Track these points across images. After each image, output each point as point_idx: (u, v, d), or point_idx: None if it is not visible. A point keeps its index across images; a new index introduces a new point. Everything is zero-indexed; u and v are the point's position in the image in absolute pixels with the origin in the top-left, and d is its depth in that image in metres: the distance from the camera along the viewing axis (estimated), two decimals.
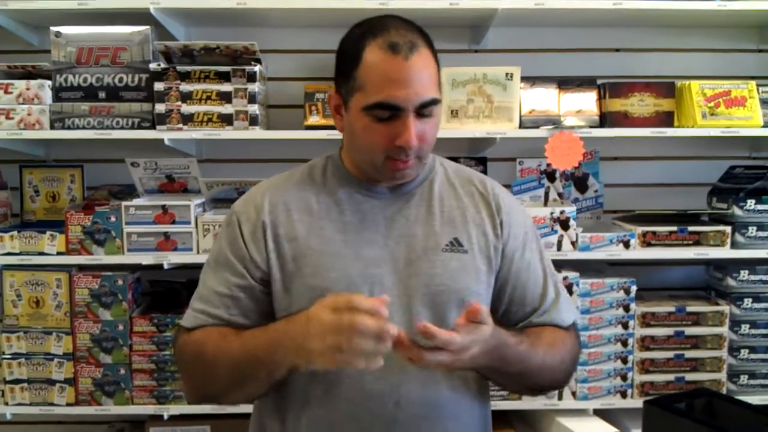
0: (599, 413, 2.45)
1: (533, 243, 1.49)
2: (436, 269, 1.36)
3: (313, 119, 2.39)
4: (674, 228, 2.41)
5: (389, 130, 1.29)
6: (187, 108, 2.30)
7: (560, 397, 2.43)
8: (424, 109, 1.30)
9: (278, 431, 1.39)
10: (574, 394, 2.43)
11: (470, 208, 1.44)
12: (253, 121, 2.31)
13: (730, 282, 2.48)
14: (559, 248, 2.38)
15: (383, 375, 1.30)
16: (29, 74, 2.42)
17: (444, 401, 1.36)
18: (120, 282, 2.35)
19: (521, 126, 2.42)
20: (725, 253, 2.42)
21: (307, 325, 1.17)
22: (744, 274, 2.47)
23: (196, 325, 1.37)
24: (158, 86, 2.30)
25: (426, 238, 1.38)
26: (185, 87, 2.30)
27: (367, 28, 1.33)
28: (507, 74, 2.39)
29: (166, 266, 2.32)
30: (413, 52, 1.28)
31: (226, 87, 2.31)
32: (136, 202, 2.35)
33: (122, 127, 2.32)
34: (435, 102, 1.31)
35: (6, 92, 2.32)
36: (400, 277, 1.35)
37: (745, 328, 2.46)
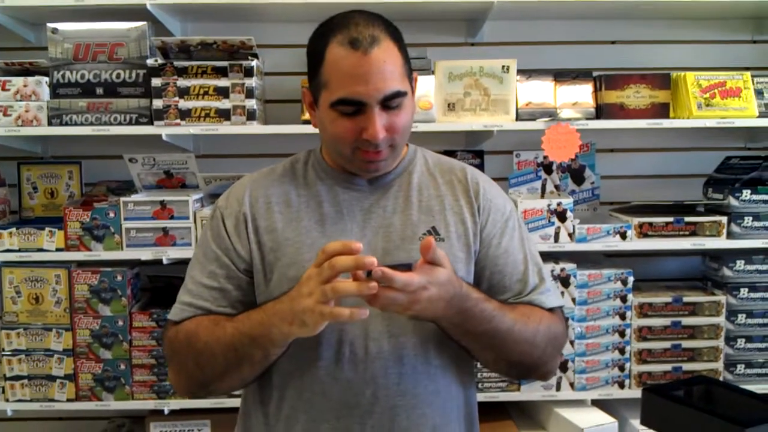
0: (597, 404, 2.47)
1: (515, 231, 1.47)
2: (414, 258, 1.35)
3: None
4: (670, 219, 2.42)
5: (356, 124, 1.30)
6: (184, 103, 2.30)
7: (558, 388, 2.44)
8: (389, 102, 1.30)
9: (261, 419, 1.41)
10: (572, 384, 2.45)
11: (449, 196, 1.44)
12: (251, 116, 2.32)
13: (727, 272, 2.49)
14: (556, 240, 2.39)
15: (358, 364, 1.32)
16: (26, 71, 2.42)
17: (421, 389, 1.36)
18: (119, 278, 2.36)
19: (518, 118, 2.42)
20: (721, 243, 2.44)
21: (298, 289, 1.20)
22: (740, 264, 2.48)
23: (183, 318, 1.38)
24: (155, 82, 2.30)
25: (403, 228, 1.39)
26: (182, 82, 2.30)
27: (330, 26, 1.34)
28: (503, 67, 2.40)
29: (165, 261, 2.33)
30: (374, 46, 1.28)
31: (223, 82, 2.31)
32: (135, 197, 2.36)
33: (120, 123, 2.32)
34: (400, 94, 1.31)
35: (3, 89, 2.32)
36: None
37: (741, 318, 2.48)
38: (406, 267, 1.16)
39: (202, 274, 1.40)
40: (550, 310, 1.45)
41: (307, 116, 2.39)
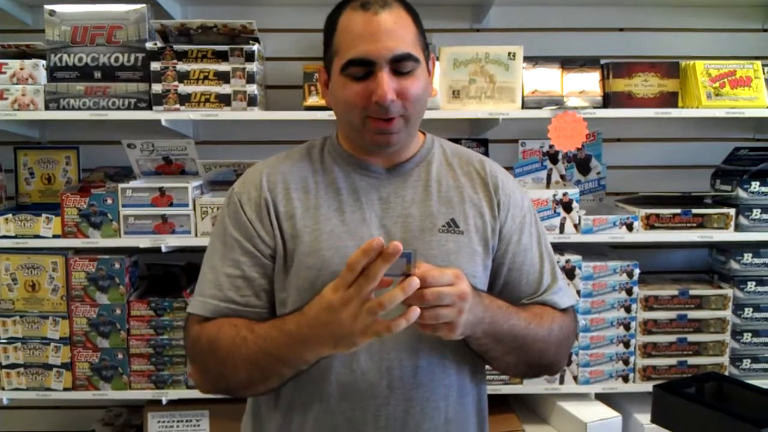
0: (601, 397, 2.43)
1: (532, 227, 1.46)
2: (432, 250, 1.34)
3: (313, 100, 2.36)
4: (678, 210, 2.38)
5: (366, 88, 1.28)
6: (184, 88, 2.26)
7: (562, 381, 2.41)
8: (400, 65, 1.28)
9: (273, 406, 1.38)
10: (575, 378, 2.42)
11: (468, 188, 1.42)
12: (252, 101, 2.27)
13: (734, 265, 2.46)
14: (561, 231, 2.35)
15: (374, 355, 1.30)
16: (23, 54, 2.38)
17: (436, 382, 1.34)
18: (117, 265, 2.32)
19: (524, 107, 2.38)
20: (729, 236, 2.40)
21: (335, 315, 1.13)
22: (748, 257, 2.45)
23: (207, 312, 1.34)
24: (155, 66, 2.26)
25: (422, 219, 1.36)
26: (182, 66, 2.26)
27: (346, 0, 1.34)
28: (509, 54, 2.35)
29: (163, 249, 2.29)
30: (385, 9, 1.29)
31: (223, 67, 2.27)
32: (133, 184, 2.32)
33: (118, 108, 2.28)
34: (411, 57, 1.29)
35: (0, 72, 2.28)
36: None
37: (748, 312, 2.44)
38: (406, 256, 1.10)
39: (224, 263, 1.36)
40: (563, 309, 1.43)
41: (309, 102, 2.35)
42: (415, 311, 1.08)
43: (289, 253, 1.34)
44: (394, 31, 1.28)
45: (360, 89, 1.28)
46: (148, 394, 2.37)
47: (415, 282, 1.08)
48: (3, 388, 2.36)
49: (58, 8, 2.29)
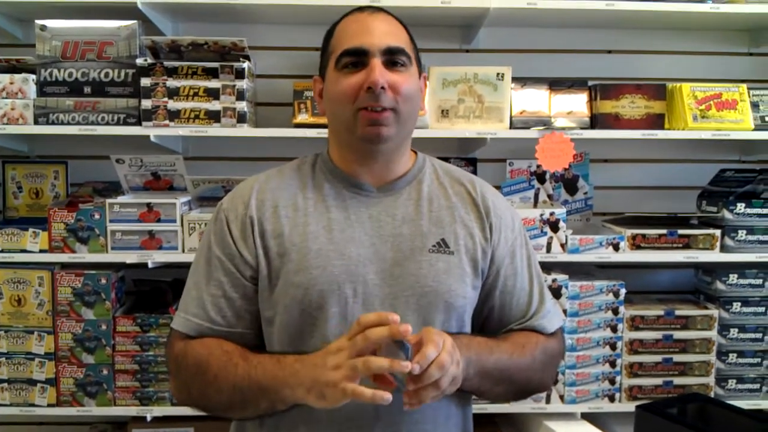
0: (587, 417, 2.43)
1: (523, 249, 1.47)
2: (423, 270, 1.34)
3: (302, 117, 2.37)
4: (664, 231, 2.40)
5: (358, 78, 1.31)
6: (173, 104, 2.27)
7: (548, 401, 2.41)
8: (392, 58, 1.32)
9: (258, 429, 1.38)
10: (561, 397, 2.42)
11: (459, 208, 1.42)
12: (241, 118, 2.28)
13: (719, 286, 2.47)
14: (548, 250, 2.36)
15: (362, 379, 1.28)
16: (13, 68, 2.37)
17: (423, 406, 1.33)
18: (103, 281, 2.31)
19: (512, 126, 2.40)
20: (715, 256, 2.41)
21: (325, 358, 1.17)
22: (733, 278, 2.46)
23: (191, 330, 1.35)
24: (145, 82, 2.27)
25: (413, 238, 1.36)
26: (172, 83, 2.27)
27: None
28: (498, 74, 2.37)
29: (150, 265, 2.28)
30: (380, 13, 1.37)
31: (213, 83, 2.27)
32: (121, 199, 2.32)
33: (107, 123, 2.28)
34: (403, 52, 1.34)
35: None
36: (384, 277, 1.33)
37: (733, 332, 2.45)
38: (400, 344, 1.14)
39: (207, 281, 1.36)
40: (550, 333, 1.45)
41: (298, 119, 2.36)
42: (386, 397, 1.11)
43: (275, 271, 1.34)
44: (388, 28, 1.35)
45: (353, 80, 1.31)
46: (132, 410, 2.35)
47: (405, 365, 1.10)
48: None
49: (49, 23, 2.30)
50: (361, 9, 1.38)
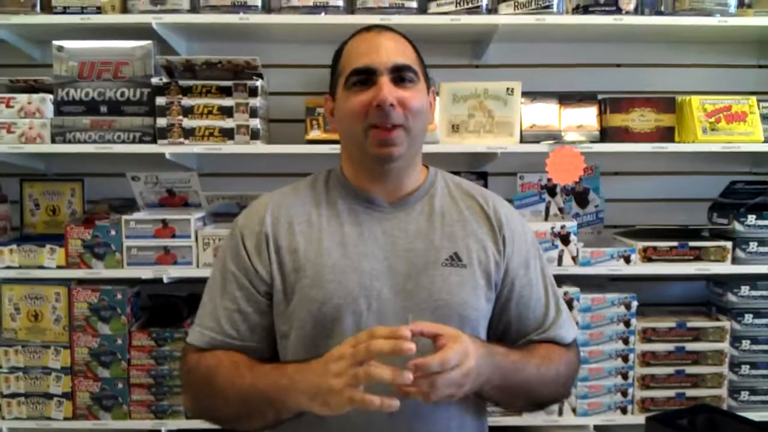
0: (599, 429, 2.43)
1: (537, 260, 1.48)
2: (436, 284, 1.35)
3: (314, 133, 2.40)
4: (675, 243, 2.40)
5: (367, 96, 1.33)
6: (188, 122, 2.30)
7: (560, 413, 2.41)
8: (400, 74, 1.34)
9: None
10: (574, 410, 2.42)
11: (471, 222, 1.43)
12: (255, 135, 2.31)
13: (731, 297, 2.47)
14: (559, 263, 2.37)
15: (376, 389, 1.29)
16: (31, 88, 2.42)
17: (438, 417, 1.35)
18: (119, 296, 2.34)
19: (522, 141, 2.42)
20: (726, 268, 2.41)
21: (326, 365, 1.18)
22: (745, 290, 2.46)
23: (204, 343, 1.37)
24: (160, 101, 2.30)
25: (426, 252, 1.38)
26: (187, 101, 2.30)
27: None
28: (508, 89, 2.39)
29: (165, 280, 2.31)
30: (387, 32, 1.39)
31: (227, 101, 2.31)
32: (136, 215, 2.35)
33: (123, 141, 2.32)
34: (411, 69, 1.36)
35: (8, 106, 2.32)
36: (398, 291, 1.35)
37: (746, 344, 2.45)
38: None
39: (222, 296, 1.39)
40: (568, 344, 1.47)
41: (310, 136, 2.39)
42: (394, 405, 1.13)
43: (290, 286, 1.36)
44: (395, 46, 1.37)
45: (362, 98, 1.33)
46: (147, 424, 2.37)
47: (407, 376, 1.12)
48: (3, 418, 2.37)
49: (66, 44, 2.34)
50: (368, 28, 1.41)
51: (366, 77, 1.34)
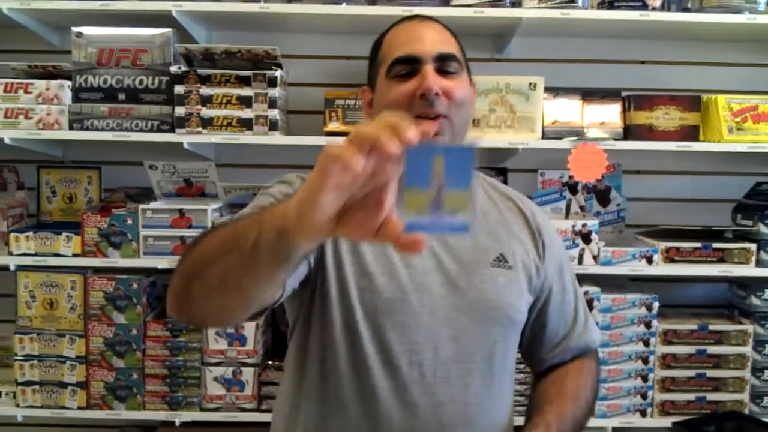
0: None
1: (568, 264, 1.48)
2: (486, 284, 1.32)
3: (333, 125, 2.37)
4: (698, 244, 2.36)
5: (411, 86, 1.29)
6: (206, 112, 2.28)
7: None
8: (445, 64, 1.31)
9: (312, 415, 1.31)
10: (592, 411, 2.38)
11: (513, 224, 1.41)
12: (273, 126, 2.29)
13: (754, 301, 2.43)
14: (580, 262, 2.33)
15: (427, 388, 1.26)
16: (49, 74, 2.41)
17: (482, 418, 1.32)
18: (135, 285, 2.33)
19: (544, 137, 2.38)
20: (749, 271, 2.37)
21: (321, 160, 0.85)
22: None
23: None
24: (178, 89, 2.28)
25: (474, 252, 1.34)
26: (205, 90, 2.28)
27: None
28: (530, 84, 2.36)
29: None
30: (430, 20, 1.36)
31: (246, 91, 2.29)
32: (153, 205, 2.33)
33: (141, 130, 2.30)
34: (455, 58, 1.33)
35: (26, 92, 2.31)
36: (450, 288, 1.31)
37: None
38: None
39: (256, 202, 1.28)
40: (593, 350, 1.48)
41: (329, 127, 2.37)
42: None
43: (338, 266, 1.28)
44: (439, 36, 1.34)
45: (405, 88, 1.30)
46: (161, 415, 2.36)
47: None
48: (18, 405, 2.37)
49: (85, 30, 2.33)
50: (410, 18, 1.38)
51: (410, 67, 1.30)
